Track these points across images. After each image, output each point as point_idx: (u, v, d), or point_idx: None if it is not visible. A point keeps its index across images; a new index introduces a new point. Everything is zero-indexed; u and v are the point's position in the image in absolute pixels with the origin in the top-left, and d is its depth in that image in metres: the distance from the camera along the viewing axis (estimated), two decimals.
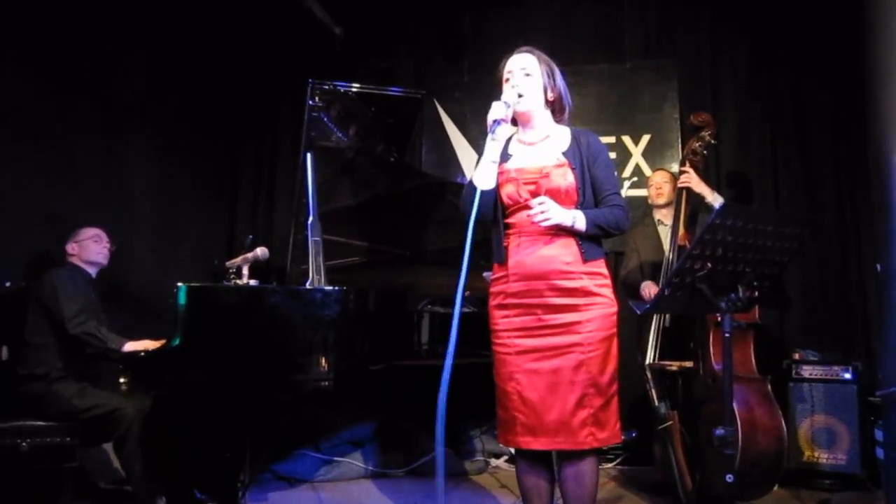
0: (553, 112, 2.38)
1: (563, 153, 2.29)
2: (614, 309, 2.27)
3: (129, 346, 3.09)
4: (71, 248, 3.36)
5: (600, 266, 2.28)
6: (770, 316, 4.11)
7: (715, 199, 3.49)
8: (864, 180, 3.83)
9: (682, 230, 3.42)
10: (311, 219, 2.94)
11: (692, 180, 3.50)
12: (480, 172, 2.26)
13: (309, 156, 3.03)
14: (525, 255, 2.25)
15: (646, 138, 4.68)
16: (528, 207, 2.24)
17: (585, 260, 2.24)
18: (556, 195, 2.23)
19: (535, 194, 2.25)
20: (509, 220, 2.32)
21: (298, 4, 4.67)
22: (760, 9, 4.49)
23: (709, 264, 1.87)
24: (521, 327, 2.26)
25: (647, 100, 4.69)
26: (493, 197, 2.30)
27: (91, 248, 3.37)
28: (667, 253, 3.44)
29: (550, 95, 2.33)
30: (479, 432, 4.35)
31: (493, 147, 2.25)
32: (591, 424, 2.17)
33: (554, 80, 2.33)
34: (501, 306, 2.32)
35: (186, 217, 4.70)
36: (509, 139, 2.42)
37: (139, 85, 4.36)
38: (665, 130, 4.65)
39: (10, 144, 3.49)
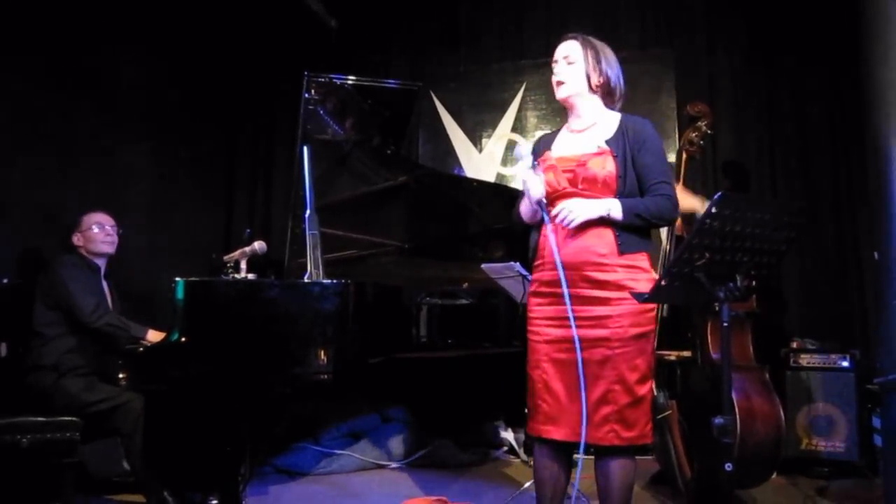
0: (603, 97, 2.31)
1: (607, 141, 2.24)
2: (651, 305, 2.21)
3: (152, 335, 3.15)
4: (76, 238, 3.31)
5: (639, 260, 2.21)
6: (768, 305, 4.12)
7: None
8: (861, 169, 3.82)
9: (678, 220, 3.42)
10: (308, 212, 2.94)
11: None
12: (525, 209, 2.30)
13: (305, 149, 3.03)
14: (561, 244, 2.22)
15: None
16: (566, 196, 2.22)
17: (622, 252, 2.17)
18: (593, 184, 2.20)
19: (572, 182, 2.22)
20: (549, 209, 2.27)
21: None
22: None
23: (707, 254, 1.87)
24: (552, 316, 2.24)
25: (644, 90, 4.67)
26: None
27: (94, 238, 3.29)
28: (664, 243, 3.45)
29: (596, 81, 2.27)
30: (479, 423, 4.36)
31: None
32: (615, 422, 2.13)
33: (600, 65, 2.27)
34: (536, 294, 2.31)
35: (184, 211, 4.70)
36: (558, 129, 2.42)
37: (136, 80, 4.35)
38: (662, 121, 4.63)
39: (7, 143, 3.48)
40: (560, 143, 2.35)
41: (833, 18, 4.11)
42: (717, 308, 1.99)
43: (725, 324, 1.96)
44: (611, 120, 2.30)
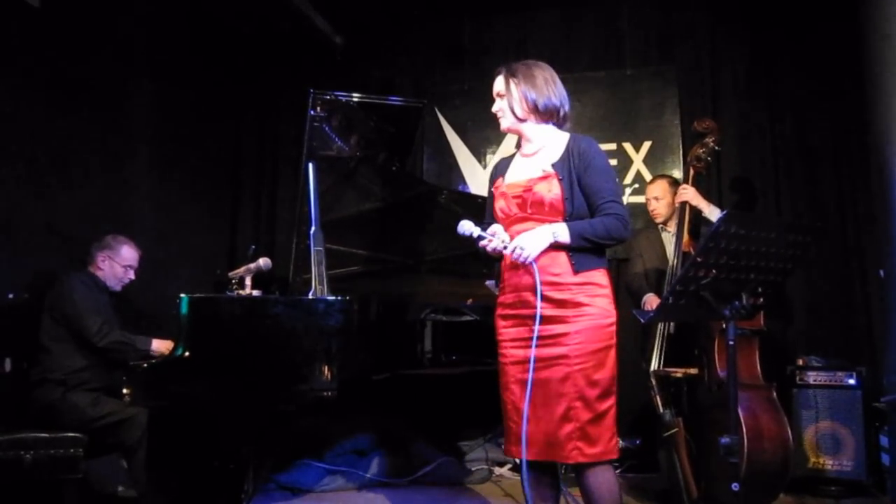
0: (543, 120, 2.31)
1: (553, 164, 2.26)
2: (609, 320, 2.22)
3: (157, 344, 3.16)
4: (102, 259, 3.34)
5: (595, 276, 2.23)
6: (774, 322, 4.10)
7: (712, 213, 3.49)
8: (865, 186, 3.82)
9: (686, 237, 3.41)
10: (313, 228, 2.94)
11: (689, 193, 3.49)
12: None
13: (311, 166, 3.04)
14: (517, 266, 2.24)
15: (647, 145, 4.69)
16: (517, 221, 2.27)
17: (577, 271, 2.20)
18: (540, 208, 2.23)
19: (521, 207, 2.26)
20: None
21: (299, 14, 4.69)
22: (760, 14, 4.50)
23: (713, 272, 1.87)
24: (515, 338, 2.27)
25: (648, 106, 4.70)
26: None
27: (117, 275, 3.37)
28: (671, 260, 3.44)
29: (523, 108, 2.28)
30: (482, 440, 4.34)
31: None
32: (578, 439, 2.13)
33: (522, 92, 2.28)
34: (501, 317, 2.34)
35: (189, 227, 4.71)
36: (515, 154, 2.45)
37: (141, 98, 4.39)
38: (666, 137, 4.65)
39: (12, 156, 3.50)
40: (512, 169, 2.39)
41: (836, 34, 4.12)
42: (723, 326, 1.98)
43: (731, 342, 1.96)
44: (559, 141, 2.32)
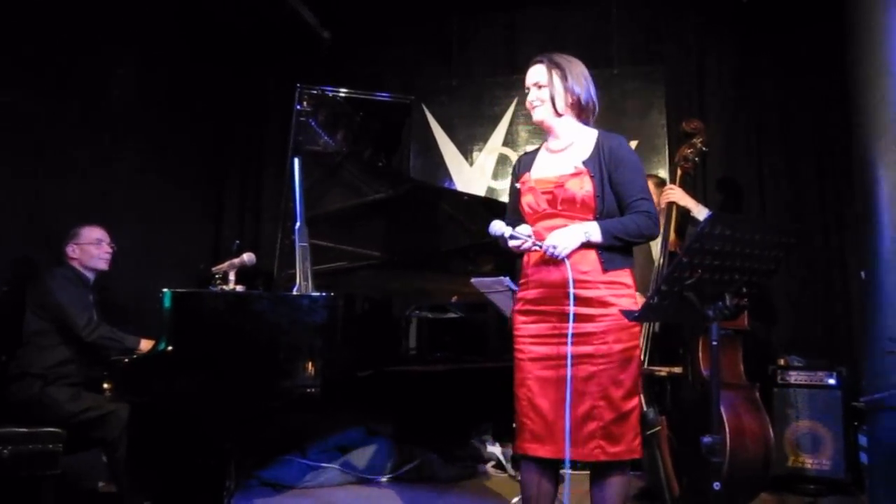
0: (576, 115, 2.33)
1: (584, 161, 2.25)
2: None
3: (145, 345, 3.15)
4: (71, 250, 3.30)
5: (622, 276, 2.24)
6: (757, 322, 4.13)
7: (700, 212, 3.51)
8: (848, 188, 3.85)
9: (672, 236, 3.43)
10: (298, 224, 2.93)
11: (676, 194, 3.51)
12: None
13: (296, 161, 3.02)
14: (545, 262, 2.23)
15: (633, 144, 4.68)
16: (546, 217, 2.26)
17: (605, 269, 2.20)
18: (572, 204, 2.22)
19: (551, 204, 2.25)
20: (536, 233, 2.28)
21: (286, 8, 4.66)
22: (747, 17, 4.52)
23: (698, 272, 1.87)
24: (536, 334, 2.25)
25: (635, 106, 4.71)
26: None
27: (92, 254, 3.32)
28: (656, 259, 3.46)
29: (565, 102, 2.29)
30: (467, 438, 4.34)
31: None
32: (601, 438, 2.14)
33: (567, 84, 2.28)
34: (521, 312, 2.32)
35: (173, 222, 4.67)
36: (538, 148, 2.44)
37: (127, 90, 4.34)
38: (652, 137, 4.67)
39: None
40: (539, 165, 2.38)
41: (822, 36, 4.15)
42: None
43: (715, 342, 1.96)
44: (588, 138, 2.31)
